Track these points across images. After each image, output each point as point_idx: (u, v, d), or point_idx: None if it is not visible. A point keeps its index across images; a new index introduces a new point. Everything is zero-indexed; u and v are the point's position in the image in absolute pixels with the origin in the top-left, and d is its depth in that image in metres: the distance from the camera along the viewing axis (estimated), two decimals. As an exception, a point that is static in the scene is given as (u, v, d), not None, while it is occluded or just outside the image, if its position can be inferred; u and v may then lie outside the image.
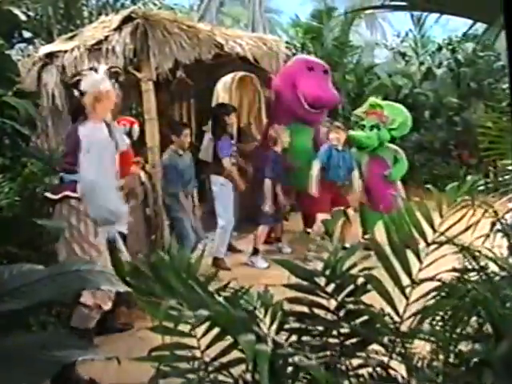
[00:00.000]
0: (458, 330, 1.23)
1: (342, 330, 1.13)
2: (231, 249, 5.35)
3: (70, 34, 5.60)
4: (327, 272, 1.23)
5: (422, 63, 10.64)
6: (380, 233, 1.23)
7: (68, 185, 2.87)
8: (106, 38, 4.79)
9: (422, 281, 1.08)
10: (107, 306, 2.77)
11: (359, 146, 5.33)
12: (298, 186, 5.58)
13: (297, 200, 5.92)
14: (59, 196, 2.85)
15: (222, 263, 4.86)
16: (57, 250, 2.83)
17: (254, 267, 4.92)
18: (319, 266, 1.32)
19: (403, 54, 11.08)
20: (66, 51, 4.85)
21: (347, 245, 4.50)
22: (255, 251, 5.06)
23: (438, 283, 1.07)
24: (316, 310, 1.23)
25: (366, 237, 1.36)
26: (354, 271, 1.23)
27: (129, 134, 4.24)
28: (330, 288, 1.21)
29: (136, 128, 4.37)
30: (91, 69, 3.09)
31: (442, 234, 1.11)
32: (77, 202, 2.83)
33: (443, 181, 8.67)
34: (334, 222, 1.37)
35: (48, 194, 2.95)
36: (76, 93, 2.95)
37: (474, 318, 1.13)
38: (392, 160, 5.36)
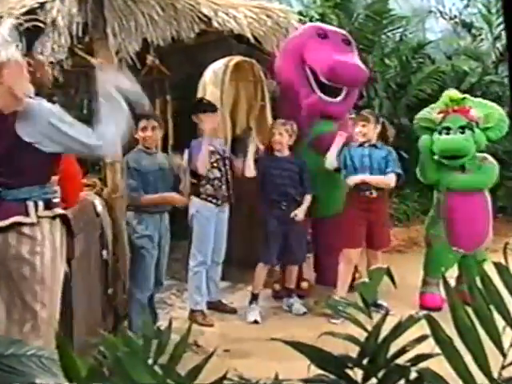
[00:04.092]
0: None
1: None
2: (220, 307, 5.40)
3: (-16, -1, 5.66)
4: (365, 361, 1.21)
5: (496, 38, 10.54)
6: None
7: (14, 204, 2.87)
8: (42, 5, 4.83)
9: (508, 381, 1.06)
10: None
11: (453, 155, 5.33)
12: (314, 212, 5.60)
13: (313, 232, 5.96)
14: (7, 223, 2.84)
15: (200, 317, 5.00)
16: None
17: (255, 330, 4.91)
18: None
19: (469, 26, 11.08)
20: (-19, 23, 4.89)
21: (382, 302, 4.55)
22: (252, 298, 5.28)
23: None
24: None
25: (423, 312, 1.32)
26: (402, 360, 1.21)
27: None
28: (370, 385, 1.20)
29: None
30: None
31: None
32: (30, 228, 2.86)
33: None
34: (373, 286, 1.36)
35: None
36: None
37: None
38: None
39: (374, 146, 5.23)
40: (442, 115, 5.39)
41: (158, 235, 4.67)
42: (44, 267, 2.87)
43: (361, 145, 5.23)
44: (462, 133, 5.24)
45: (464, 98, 5.41)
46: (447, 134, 5.31)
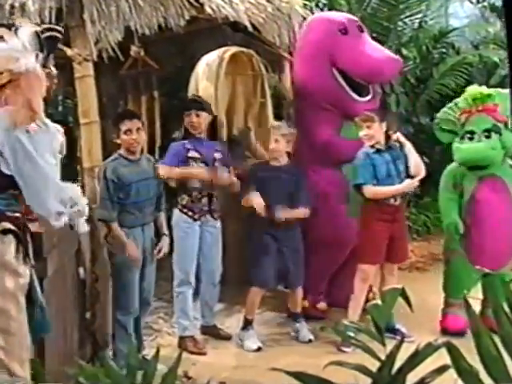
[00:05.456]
0: None
1: None
2: (214, 332, 5.43)
3: None
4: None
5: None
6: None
7: None
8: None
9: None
10: None
11: (476, 164, 5.31)
12: None
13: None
14: None
15: (191, 344, 5.05)
16: None
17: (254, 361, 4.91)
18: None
19: (499, 10, 10.96)
20: None
21: (399, 327, 4.56)
22: (246, 323, 5.27)
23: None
24: None
25: (442, 340, 1.33)
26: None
27: None
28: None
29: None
30: (7, 26, 2.99)
31: None
32: None
33: None
34: (387, 309, 1.36)
35: None
36: None
37: None
38: None
39: (390, 147, 5.21)
40: (465, 116, 5.33)
41: (142, 250, 4.64)
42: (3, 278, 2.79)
43: (378, 150, 5.16)
44: (488, 137, 5.22)
45: (489, 95, 5.31)
46: (470, 138, 5.26)
